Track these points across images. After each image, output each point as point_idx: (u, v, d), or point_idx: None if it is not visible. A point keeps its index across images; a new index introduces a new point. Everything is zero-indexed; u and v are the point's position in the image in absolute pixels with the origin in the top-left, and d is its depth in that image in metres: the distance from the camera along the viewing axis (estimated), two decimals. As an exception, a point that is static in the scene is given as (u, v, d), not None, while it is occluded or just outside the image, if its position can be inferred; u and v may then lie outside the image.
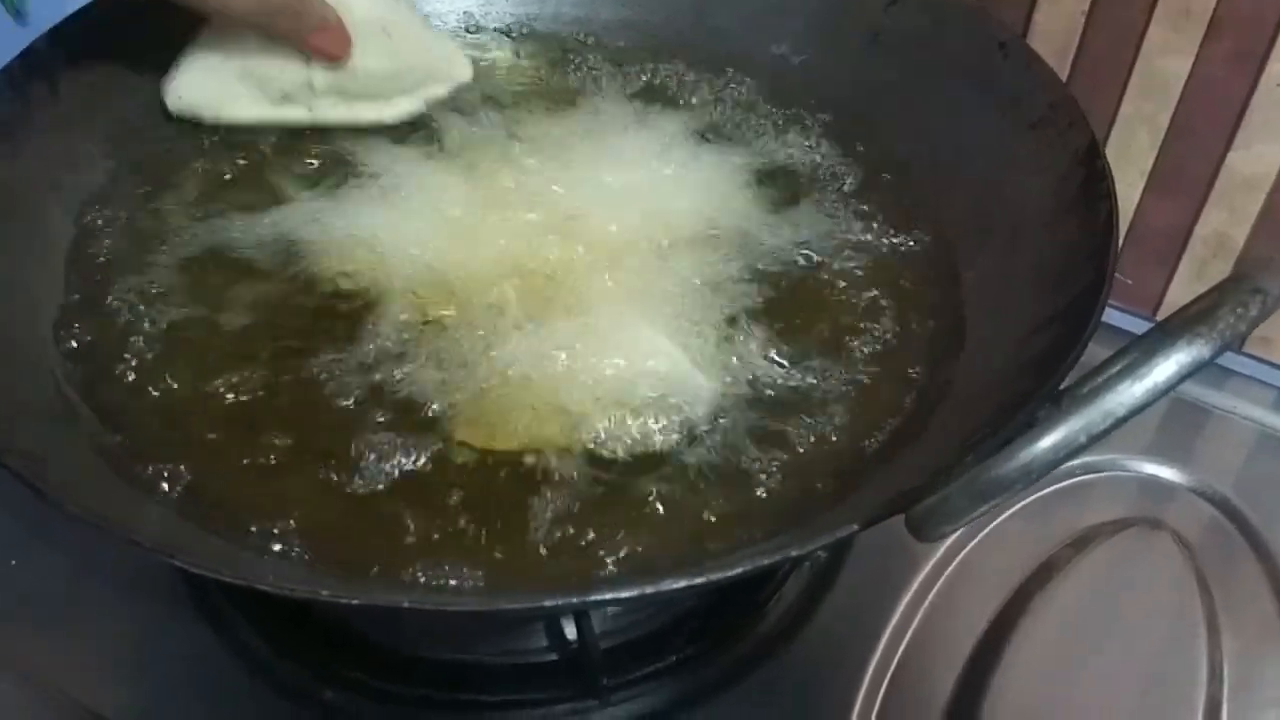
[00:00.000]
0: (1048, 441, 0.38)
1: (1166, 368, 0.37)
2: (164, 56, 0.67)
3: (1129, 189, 0.73)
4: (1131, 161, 0.73)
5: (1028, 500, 0.67)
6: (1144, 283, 0.77)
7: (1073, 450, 0.38)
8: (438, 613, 0.45)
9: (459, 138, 0.69)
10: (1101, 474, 0.69)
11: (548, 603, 0.44)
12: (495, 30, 0.77)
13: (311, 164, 0.67)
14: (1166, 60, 0.69)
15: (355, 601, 0.43)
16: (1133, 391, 0.37)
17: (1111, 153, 0.72)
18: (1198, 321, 0.38)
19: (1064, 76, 0.72)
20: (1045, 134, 0.62)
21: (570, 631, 0.59)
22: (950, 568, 0.65)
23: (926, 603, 0.63)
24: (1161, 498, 0.69)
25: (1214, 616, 0.64)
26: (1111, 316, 0.76)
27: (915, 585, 0.64)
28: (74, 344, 0.57)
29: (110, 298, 0.59)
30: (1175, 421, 0.73)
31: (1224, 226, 0.72)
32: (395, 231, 0.63)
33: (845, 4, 0.72)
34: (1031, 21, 0.73)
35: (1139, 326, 0.77)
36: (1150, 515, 0.68)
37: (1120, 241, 0.53)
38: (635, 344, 0.57)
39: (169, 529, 0.49)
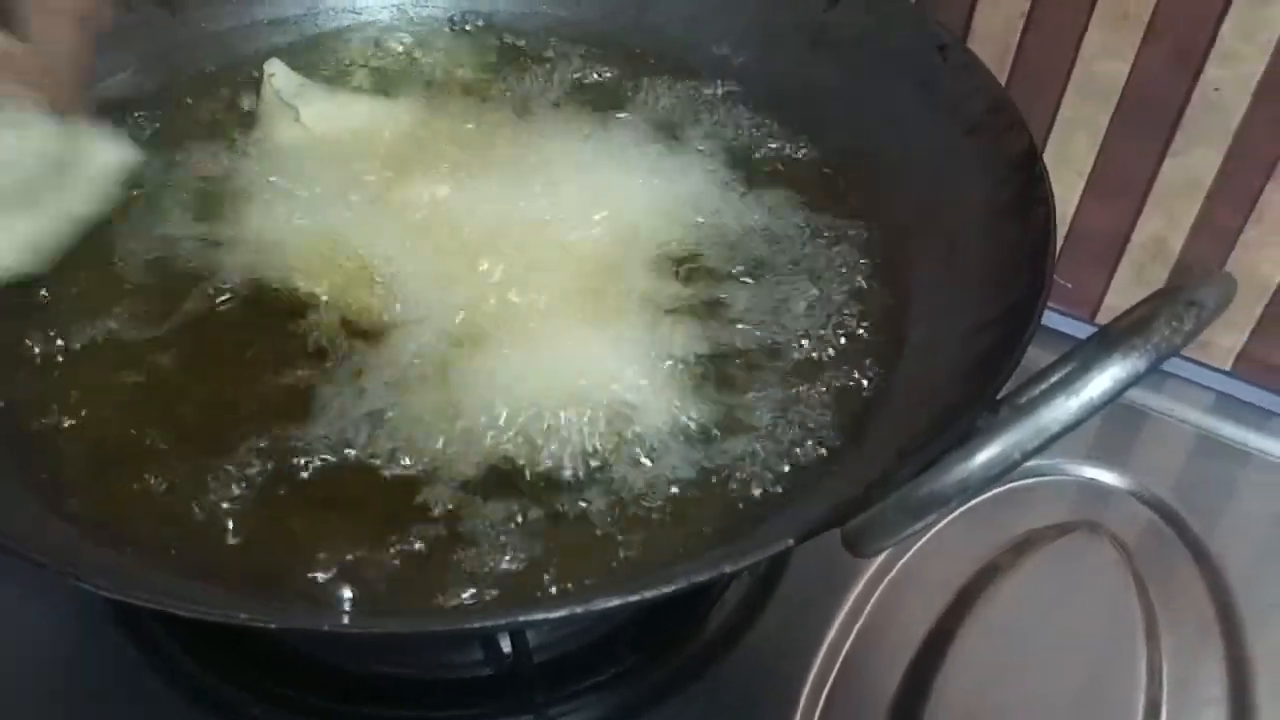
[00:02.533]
0: (982, 458, 0.38)
1: (1102, 382, 0.37)
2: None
3: (1068, 192, 0.73)
4: (1070, 165, 0.73)
5: (968, 504, 0.67)
6: (1083, 286, 0.77)
7: (1008, 466, 0.38)
8: (363, 635, 0.44)
9: (396, 141, 0.68)
10: (1041, 478, 0.70)
11: (476, 624, 0.43)
12: (430, 26, 0.76)
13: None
14: (1105, 63, 0.69)
15: (273, 625, 0.41)
16: (1068, 406, 0.37)
17: (1050, 156, 0.72)
18: (1133, 334, 0.38)
19: (1003, 79, 0.72)
20: (984, 137, 0.61)
21: (506, 646, 0.57)
22: (892, 572, 0.65)
23: (869, 607, 0.63)
24: (1100, 501, 0.69)
25: (1152, 618, 0.64)
26: (1051, 320, 0.77)
27: (857, 589, 0.64)
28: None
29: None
30: (1114, 425, 0.73)
31: (1162, 230, 0.73)
32: (333, 240, 0.61)
33: (786, 4, 0.71)
34: (971, 23, 0.72)
35: (1079, 330, 0.77)
36: (1089, 518, 0.68)
37: (1059, 245, 0.53)
38: (582, 360, 0.56)
39: (75, 548, 0.47)
